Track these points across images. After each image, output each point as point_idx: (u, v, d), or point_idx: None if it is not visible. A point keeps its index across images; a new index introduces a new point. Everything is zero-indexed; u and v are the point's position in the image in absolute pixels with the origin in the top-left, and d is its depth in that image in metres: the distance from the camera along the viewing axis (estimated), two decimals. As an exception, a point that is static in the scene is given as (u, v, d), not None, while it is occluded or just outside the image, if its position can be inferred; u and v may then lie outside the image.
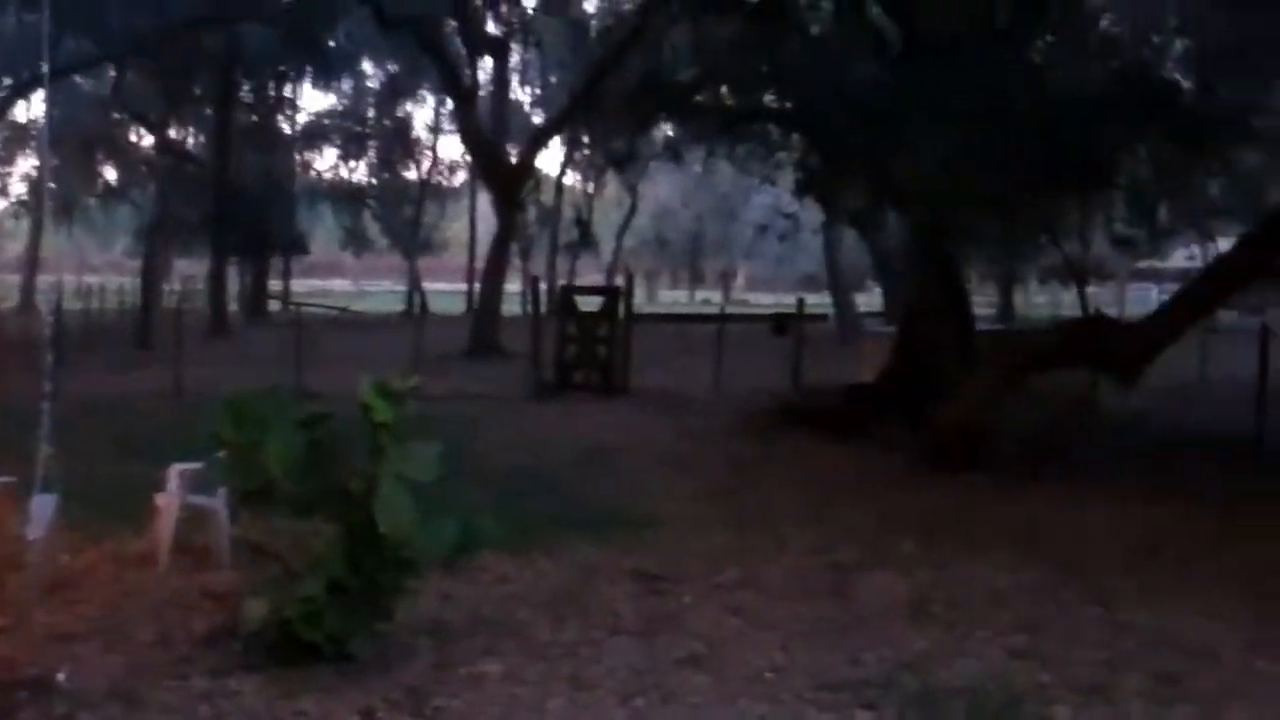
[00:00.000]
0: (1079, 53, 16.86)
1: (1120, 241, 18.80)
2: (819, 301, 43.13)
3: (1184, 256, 45.95)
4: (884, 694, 6.09)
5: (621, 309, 21.29)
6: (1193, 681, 6.42)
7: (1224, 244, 22.32)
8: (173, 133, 43.84)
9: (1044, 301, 49.30)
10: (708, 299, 76.04)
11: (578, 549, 9.06)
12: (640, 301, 41.52)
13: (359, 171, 54.45)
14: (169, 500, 8.36)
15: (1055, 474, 12.72)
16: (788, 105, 18.60)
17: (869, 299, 48.40)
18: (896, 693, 6.11)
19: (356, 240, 56.23)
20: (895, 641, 6.98)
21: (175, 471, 8.42)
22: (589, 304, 22.08)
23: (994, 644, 7.00)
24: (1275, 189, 22.18)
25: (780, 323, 32.25)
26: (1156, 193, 18.03)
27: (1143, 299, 44.70)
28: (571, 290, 24.70)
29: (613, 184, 55.53)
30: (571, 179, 54.52)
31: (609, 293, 23.02)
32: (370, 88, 50.60)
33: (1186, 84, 18.67)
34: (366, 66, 47.98)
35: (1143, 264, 49.27)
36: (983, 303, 50.24)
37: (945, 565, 8.83)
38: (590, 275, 59.14)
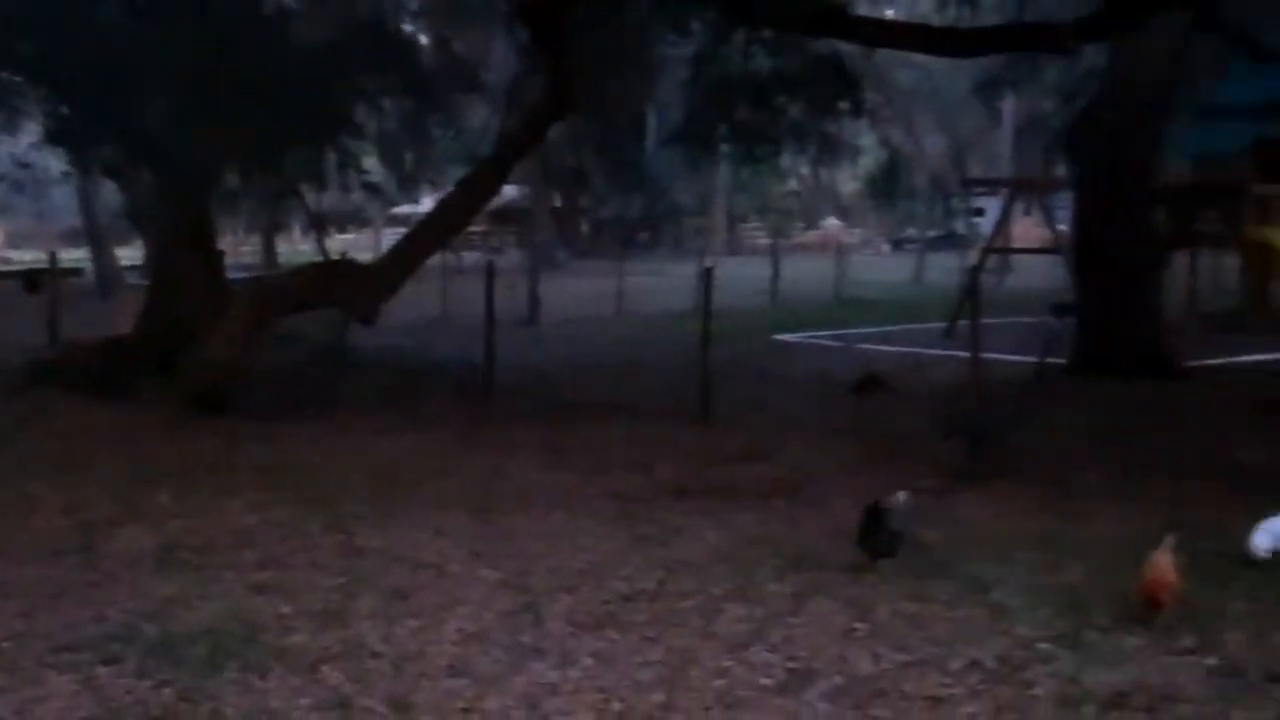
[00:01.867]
0: (319, 5, 17.34)
1: (369, 188, 19.61)
2: (82, 255, 41.05)
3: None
4: (125, 647, 6.14)
5: None
6: (421, 596, 6.95)
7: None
8: None
9: (309, 249, 49.83)
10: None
11: None
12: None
13: None
14: None
15: (307, 412, 13.27)
16: (29, 52, 17.59)
17: (134, 252, 46.48)
18: (138, 643, 6.18)
19: None
20: (141, 593, 7.02)
21: None
22: None
23: (239, 583, 7.22)
24: (492, 138, 23.92)
25: (32, 279, 30.37)
26: (400, 142, 19.02)
27: (397, 243, 46.05)
28: None
29: None
30: None
31: None
32: None
33: (423, 39, 19.76)
34: None
35: (399, 210, 51.35)
36: (250, 250, 50.29)
37: (197, 512, 8.94)
38: None
